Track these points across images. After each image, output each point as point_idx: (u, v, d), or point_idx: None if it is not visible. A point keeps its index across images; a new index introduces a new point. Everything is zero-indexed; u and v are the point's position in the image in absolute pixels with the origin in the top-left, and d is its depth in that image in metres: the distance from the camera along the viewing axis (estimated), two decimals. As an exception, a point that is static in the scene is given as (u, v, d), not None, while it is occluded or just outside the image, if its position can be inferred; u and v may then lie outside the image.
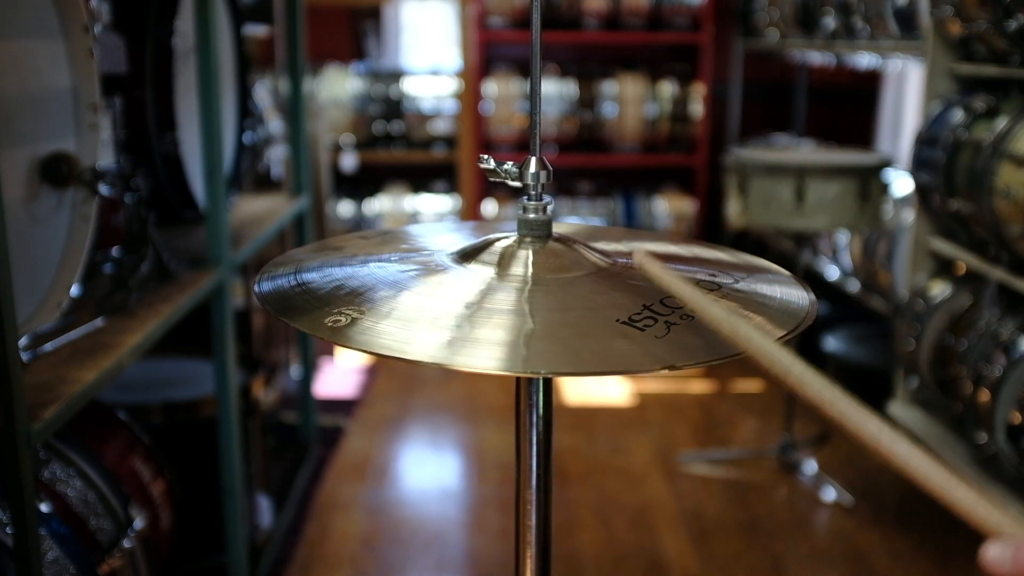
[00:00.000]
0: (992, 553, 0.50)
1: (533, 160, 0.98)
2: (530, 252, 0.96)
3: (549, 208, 0.99)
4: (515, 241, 0.98)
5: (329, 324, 0.84)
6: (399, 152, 5.35)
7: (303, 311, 0.88)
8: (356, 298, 0.89)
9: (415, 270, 0.96)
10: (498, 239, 0.98)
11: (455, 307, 0.87)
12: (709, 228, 5.37)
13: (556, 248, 0.97)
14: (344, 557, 2.66)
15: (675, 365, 0.79)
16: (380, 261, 0.99)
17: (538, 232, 0.98)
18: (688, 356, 0.80)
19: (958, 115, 2.87)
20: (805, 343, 3.61)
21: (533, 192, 0.98)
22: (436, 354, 0.79)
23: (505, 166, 0.99)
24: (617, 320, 0.84)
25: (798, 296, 0.94)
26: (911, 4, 3.28)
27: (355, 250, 1.05)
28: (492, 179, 1.00)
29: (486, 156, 1.00)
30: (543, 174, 0.98)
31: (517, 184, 0.99)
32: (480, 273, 0.94)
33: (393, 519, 2.89)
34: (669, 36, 5.18)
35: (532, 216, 0.98)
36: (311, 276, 0.96)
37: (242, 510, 2.21)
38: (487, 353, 0.79)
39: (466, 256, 0.97)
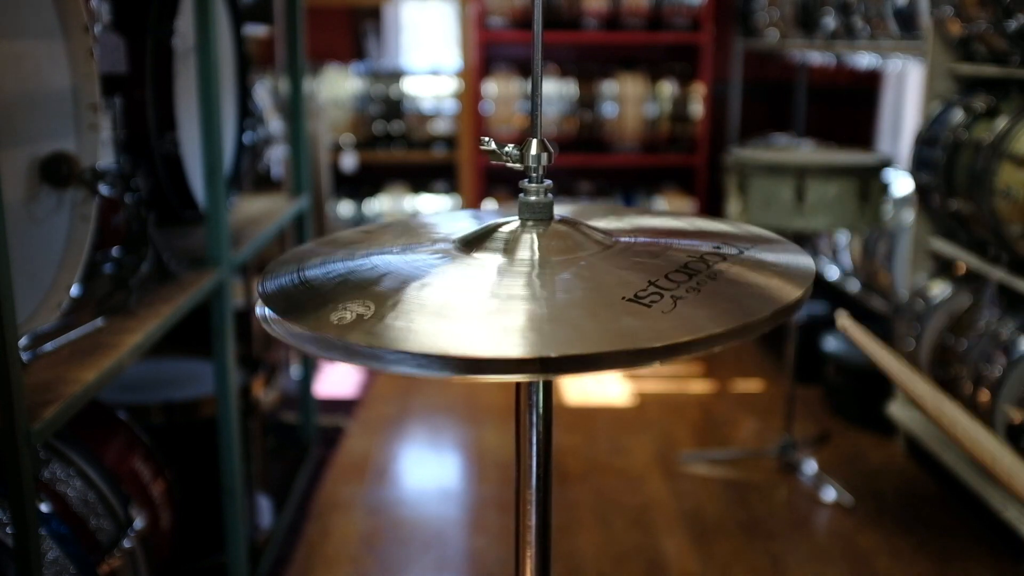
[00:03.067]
0: None
1: (534, 142, 0.97)
2: (534, 235, 0.94)
3: (550, 190, 0.98)
4: (518, 225, 0.96)
5: (335, 321, 0.82)
6: (399, 152, 5.35)
7: (307, 310, 0.86)
8: (361, 292, 0.87)
9: (421, 260, 0.94)
10: (501, 224, 0.97)
11: (468, 297, 0.85)
12: (709, 228, 5.37)
13: (560, 230, 0.96)
14: (344, 557, 2.66)
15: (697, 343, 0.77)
16: (384, 254, 0.98)
17: (540, 215, 0.97)
18: (696, 330, 0.78)
19: (958, 115, 2.87)
20: (805, 343, 3.61)
21: (534, 175, 0.98)
22: (445, 346, 0.77)
23: (506, 148, 0.98)
24: (623, 298, 0.83)
25: (802, 260, 0.95)
26: (911, 4, 3.28)
27: (359, 243, 1.03)
28: (493, 161, 0.99)
29: (487, 138, 0.99)
30: (544, 156, 0.97)
31: (518, 166, 0.98)
32: (487, 261, 0.92)
33: (393, 519, 2.89)
34: (669, 36, 5.18)
35: (534, 199, 0.97)
36: (314, 273, 0.94)
37: (242, 510, 2.21)
38: (508, 341, 0.77)
39: (471, 243, 0.96)
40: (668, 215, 1.14)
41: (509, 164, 0.98)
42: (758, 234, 1.04)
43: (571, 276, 0.88)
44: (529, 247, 0.93)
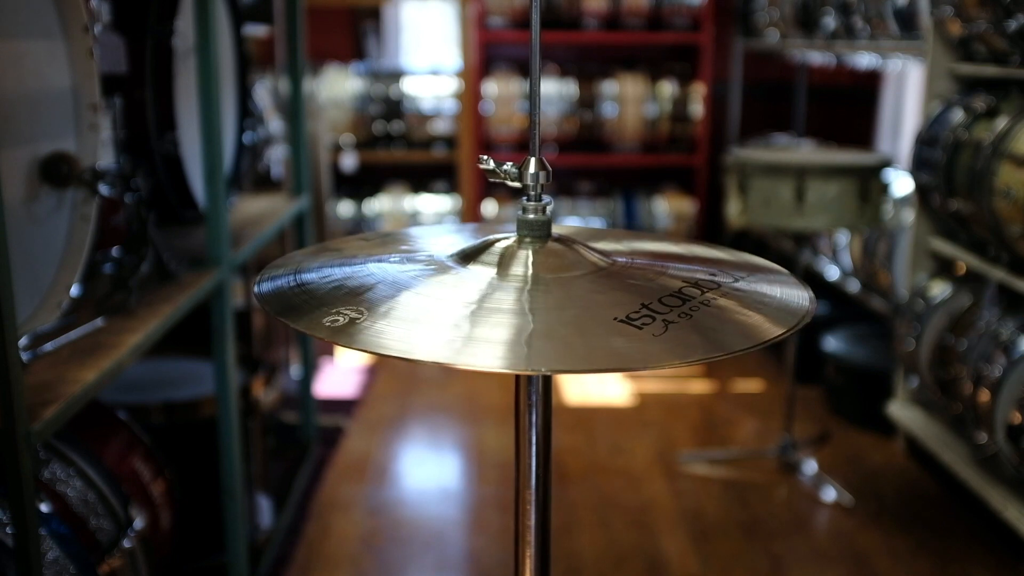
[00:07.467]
0: None
1: (532, 161, 0.98)
2: (530, 252, 0.96)
3: (548, 209, 0.99)
4: (515, 241, 0.98)
5: (327, 324, 0.84)
6: (399, 152, 5.35)
7: (302, 311, 0.88)
8: (355, 298, 0.89)
9: (415, 271, 0.96)
10: (498, 240, 0.99)
11: (456, 307, 0.87)
12: (709, 228, 5.37)
13: (556, 248, 0.97)
14: (344, 557, 2.66)
15: (671, 363, 0.79)
16: (380, 262, 0.99)
17: (538, 233, 0.98)
18: (685, 354, 0.80)
19: (958, 115, 2.87)
20: (805, 343, 3.61)
21: (532, 193, 0.98)
22: (436, 353, 0.79)
23: (505, 167, 1.00)
24: (615, 319, 0.84)
25: (797, 295, 0.94)
26: (911, 4, 3.28)
27: (355, 251, 1.05)
28: (492, 180, 1.01)
29: (485, 157, 1.01)
30: (542, 175, 0.98)
31: (517, 185, 0.99)
32: (481, 273, 0.94)
33: (393, 519, 2.89)
34: (669, 36, 5.18)
35: (532, 217, 0.98)
36: (310, 277, 0.96)
37: (242, 510, 2.21)
38: (489, 352, 0.79)
39: (467, 257, 0.98)
40: (667, 241, 1.15)
41: (508, 183, 0.99)
42: (759, 264, 1.05)
43: (563, 294, 0.89)
44: (524, 263, 0.94)
